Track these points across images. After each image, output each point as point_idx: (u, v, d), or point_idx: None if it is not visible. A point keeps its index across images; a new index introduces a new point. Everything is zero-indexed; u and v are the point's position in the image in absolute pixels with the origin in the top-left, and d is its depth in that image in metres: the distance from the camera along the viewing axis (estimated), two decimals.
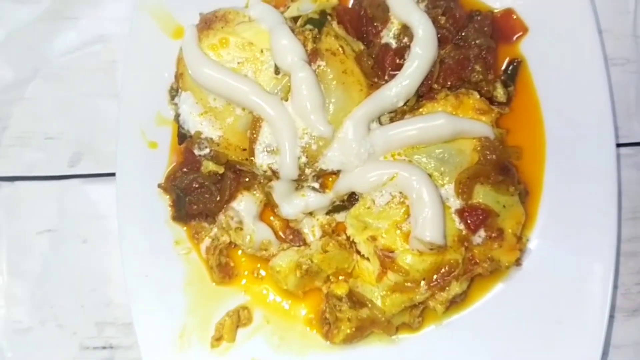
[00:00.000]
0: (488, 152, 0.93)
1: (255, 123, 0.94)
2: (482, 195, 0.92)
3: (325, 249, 0.96)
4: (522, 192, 0.96)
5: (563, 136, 0.98)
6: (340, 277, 0.99)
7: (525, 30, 1.01)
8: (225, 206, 1.02)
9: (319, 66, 0.95)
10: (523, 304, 0.97)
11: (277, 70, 0.94)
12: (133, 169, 0.98)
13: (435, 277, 0.91)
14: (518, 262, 0.95)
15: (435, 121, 0.94)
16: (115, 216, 0.96)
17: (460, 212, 0.91)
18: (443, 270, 0.91)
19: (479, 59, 0.97)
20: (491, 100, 1.02)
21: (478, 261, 0.92)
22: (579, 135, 0.97)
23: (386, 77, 0.98)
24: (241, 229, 0.99)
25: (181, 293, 0.97)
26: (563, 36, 0.99)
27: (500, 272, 0.96)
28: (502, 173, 0.93)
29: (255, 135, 0.94)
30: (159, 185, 0.99)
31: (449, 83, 1.00)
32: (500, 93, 1.00)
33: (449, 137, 0.94)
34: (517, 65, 1.01)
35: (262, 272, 1.03)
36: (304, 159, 0.96)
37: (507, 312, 0.97)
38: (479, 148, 0.94)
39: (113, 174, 0.97)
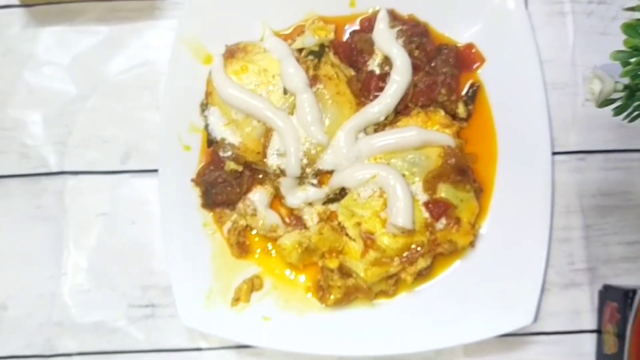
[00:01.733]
0: (449, 158, 1.08)
1: (267, 132, 1.10)
2: (444, 191, 1.07)
3: (321, 232, 1.09)
4: (477, 189, 1.11)
5: (511, 145, 1.11)
6: (333, 254, 1.10)
7: (482, 60, 1.13)
8: (243, 197, 1.13)
9: (317, 88, 1.09)
10: (475, 277, 1.09)
11: (285, 91, 1.10)
12: (171, 167, 1.12)
13: (405, 254, 1.07)
14: (472, 244, 1.09)
15: (409, 132, 1.09)
16: (157, 203, 1.11)
17: (426, 204, 1.07)
18: (412, 248, 1.07)
19: (445, 84, 1.11)
20: (454, 116, 1.13)
21: (440, 242, 1.07)
22: (523, 145, 1.10)
23: (371, 97, 1.11)
24: (255, 215, 1.13)
25: (208, 264, 1.12)
26: (512, 66, 1.11)
27: (458, 252, 1.10)
28: (460, 174, 1.08)
29: (267, 142, 1.10)
30: (192, 180, 1.13)
31: (420, 102, 1.11)
32: (461, 111, 1.13)
33: (419, 145, 1.09)
34: (476, 89, 1.14)
35: (271, 249, 1.14)
36: (305, 161, 1.09)
37: (462, 283, 1.10)
38: (442, 154, 1.08)
39: (155, 170, 1.12)
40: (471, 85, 1.15)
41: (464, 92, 1.15)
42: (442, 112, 1.12)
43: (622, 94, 0.88)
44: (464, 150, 1.12)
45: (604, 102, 0.87)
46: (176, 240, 1.11)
